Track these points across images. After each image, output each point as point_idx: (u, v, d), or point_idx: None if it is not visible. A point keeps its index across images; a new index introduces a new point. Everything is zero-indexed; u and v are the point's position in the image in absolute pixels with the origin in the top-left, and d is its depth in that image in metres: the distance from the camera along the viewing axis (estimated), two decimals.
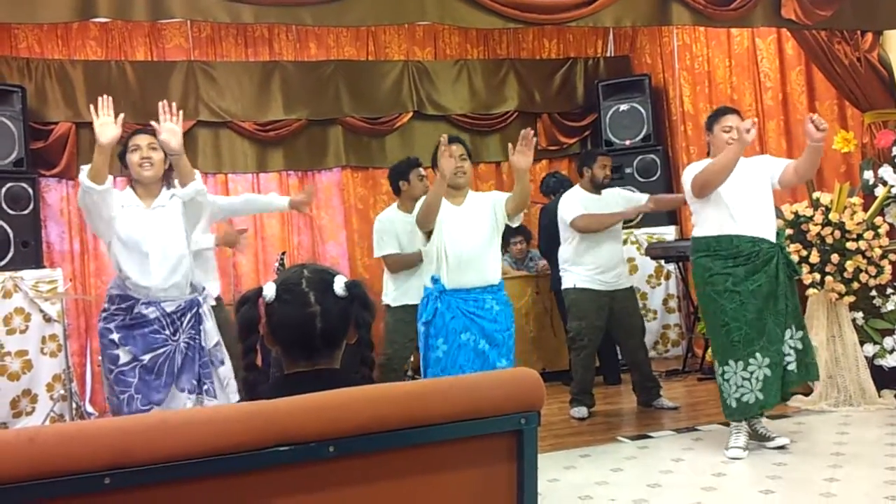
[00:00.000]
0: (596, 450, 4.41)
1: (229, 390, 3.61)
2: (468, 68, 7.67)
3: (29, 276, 5.78)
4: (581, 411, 5.23)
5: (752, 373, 4.01)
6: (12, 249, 5.83)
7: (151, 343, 3.42)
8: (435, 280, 3.85)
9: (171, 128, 3.43)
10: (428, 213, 3.80)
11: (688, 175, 4.17)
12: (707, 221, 4.13)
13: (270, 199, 5.19)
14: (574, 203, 5.19)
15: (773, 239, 4.09)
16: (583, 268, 5.16)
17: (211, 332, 3.58)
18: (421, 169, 4.94)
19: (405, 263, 4.79)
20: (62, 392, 5.78)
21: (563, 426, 5.02)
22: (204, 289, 3.69)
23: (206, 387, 3.50)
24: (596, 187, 5.25)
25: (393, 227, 4.83)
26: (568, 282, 5.25)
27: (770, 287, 4.02)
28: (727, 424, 4.27)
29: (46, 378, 5.79)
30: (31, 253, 5.93)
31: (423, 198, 3.90)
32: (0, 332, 5.51)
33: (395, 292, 4.84)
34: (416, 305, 4.40)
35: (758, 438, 4.17)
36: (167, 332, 3.45)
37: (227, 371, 3.63)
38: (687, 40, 7.30)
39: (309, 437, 1.28)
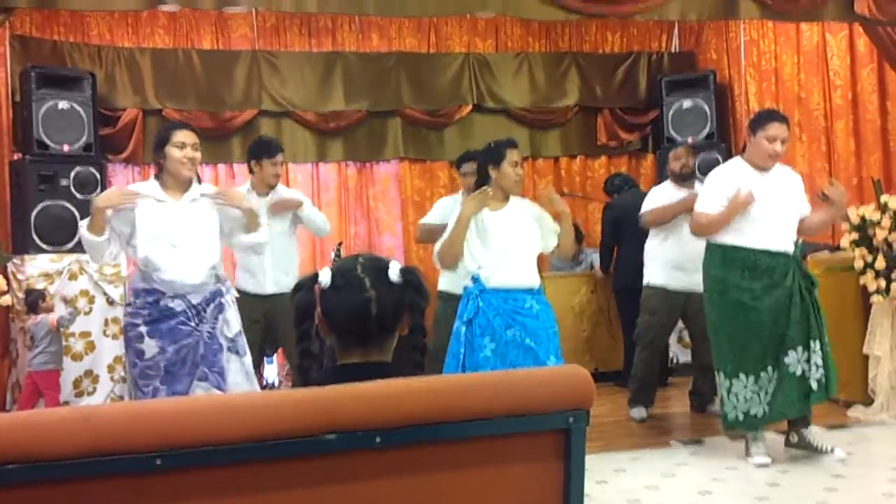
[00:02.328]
0: (647, 453, 4.34)
1: (254, 380, 3.64)
2: (529, 61, 7.62)
3: None
4: (640, 412, 5.16)
5: (761, 387, 3.95)
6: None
7: (177, 335, 3.46)
8: (475, 279, 3.83)
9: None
10: (453, 250, 3.79)
11: (701, 197, 4.16)
12: (726, 230, 4.04)
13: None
14: (651, 198, 5.16)
15: (790, 251, 4.01)
16: (661, 262, 5.07)
17: (232, 322, 3.60)
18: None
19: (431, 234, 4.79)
20: (122, 374, 5.93)
21: (615, 427, 4.96)
22: (227, 279, 3.71)
23: (210, 378, 3.50)
24: (678, 181, 5.14)
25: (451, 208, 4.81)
26: (646, 276, 5.19)
27: (787, 300, 3.93)
28: (784, 432, 4.18)
29: (108, 360, 5.95)
30: None
31: (448, 231, 3.83)
32: (65, 313, 5.67)
33: (448, 278, 4.80)
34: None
35: (810, 449, 4.06)
36: (192, 323, 3.49)
37: (250, 362, 3.68)
38: (754, 36, 7.12)
39: (357, 426, 1.29)
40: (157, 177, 3.61)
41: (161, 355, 3.43)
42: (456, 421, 1.35)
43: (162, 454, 1.18)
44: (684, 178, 5.13)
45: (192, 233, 3.54)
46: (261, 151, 4.73)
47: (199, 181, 3.68)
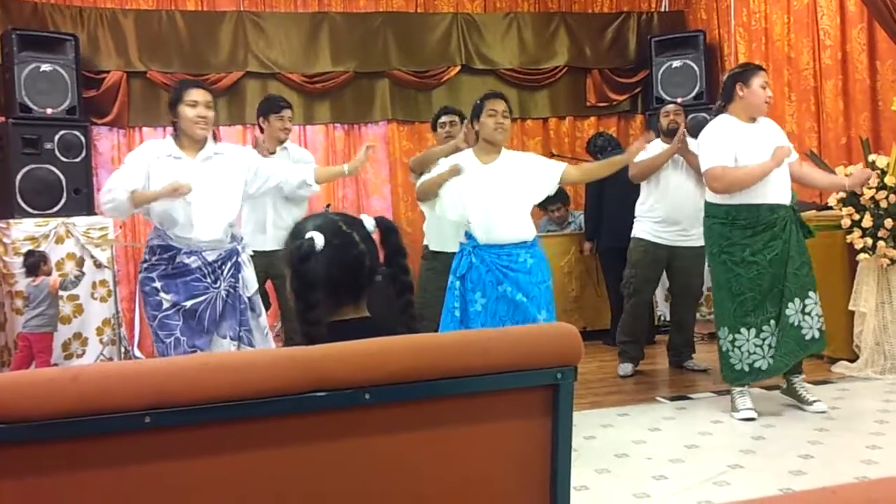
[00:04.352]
0: (634, 409, 4.40)
1: (269, 339, 3.69)
2: (518, 21, 7.56)
3: (80, 222, 5.91)
4: (626, 368, 5.22)
5: (764, 339, 4.00)
6: (65, 196, 5.96)
7: (193, 290, 3.50)
8: (468, 235, 3.85)
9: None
10: (428, 192, 3.90)
11: (708, 154, 4.06)
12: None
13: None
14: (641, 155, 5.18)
15: (788, 202, 4.05)
16: (646, 218, 5.15)
17: (250, 281, 3.66)
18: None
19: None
20: (111, 336, 5.94)
21: (602, 384, 5.01)
22: (242, 238, 3.75)
23: (241, 335, 3.58)
24: (667, 137, 5.17)
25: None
26: (634, 230, 5.25)
27: (785, 252, 3.98)
28: (769, 388, 4.24)
29: (96, 322, 5.95)
30: (82, 200, 6.05)
31: (432, 173, 3.93)
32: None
33: (436, 238, 4.83)
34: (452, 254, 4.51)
35: (798, 399, 4.14)
36: (208, 280, 3.53)
37: (265, 320, 3.72)
38: None
39: (345, 383, 1.29)
40: (174, 135, 3.63)
41: (178, 307, 3.49)
42: (445, 378, 1.35)
43: (151, 412, 1.18)
44: (671, 134, 5.15)
45: (207, 190, 3.55)
46: (267, 108, 4.80)
47: (216, 139, 3.69)
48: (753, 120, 4.09)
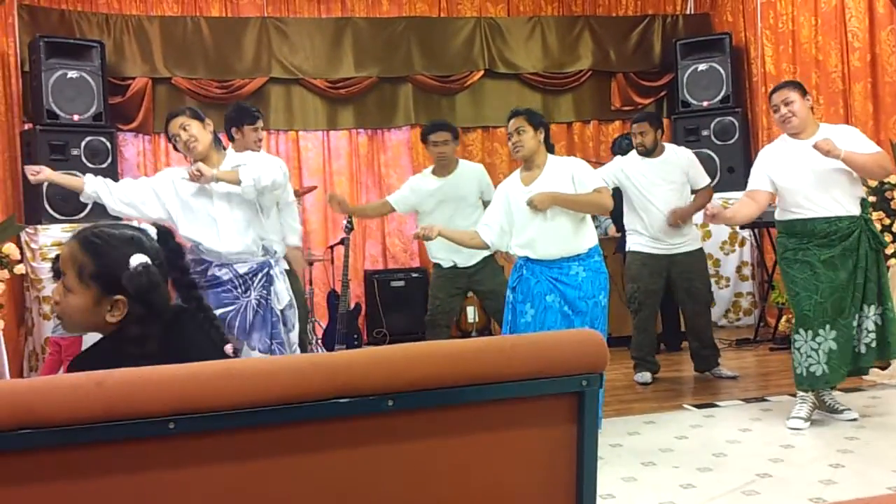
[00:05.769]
0: (661, 416, 4.35)
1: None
2: (542, 25, 7.53)
3: None
4: (644, 376, 5.18)
5: (819, 344, 3.93)
6: (90, 202, 6.00)
7: (223, 300, 3.57)
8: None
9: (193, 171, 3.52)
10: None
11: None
12: (782, 208, 4.07)
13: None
14: (604, 169, 5.14)
15: (854, 212, 3.93)
16: (636, 231, 5.13)
17: (282, 293, 3.69)
18: None
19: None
20: None
21: (628, 392, 4.97)
22: (276, 252, 3.79)
23: (273, 348, 3.59)
24: (642, 155, 5.10)
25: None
26: (627, 244, 5.23)
27: (845, 260, 3.91)
28: (792, 395, 4.17)
29: None
30: None
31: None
32: None
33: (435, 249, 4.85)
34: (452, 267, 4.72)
35: (826, 410, 4.09)
36: (238, 290, 3.59)
37: (295, 337, 3.73)
38: None
39: (368, 390, 1.28)
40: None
41: None
42: (469, 384, 1.34)
43: (175, 418, 1.18)
44: (647, 153, 5.07)
45: (228, 204, 3.60)
46: (241, 118, 4.65)
47: (223, 146, 3.72)
48: (800, 136, 3.98)
